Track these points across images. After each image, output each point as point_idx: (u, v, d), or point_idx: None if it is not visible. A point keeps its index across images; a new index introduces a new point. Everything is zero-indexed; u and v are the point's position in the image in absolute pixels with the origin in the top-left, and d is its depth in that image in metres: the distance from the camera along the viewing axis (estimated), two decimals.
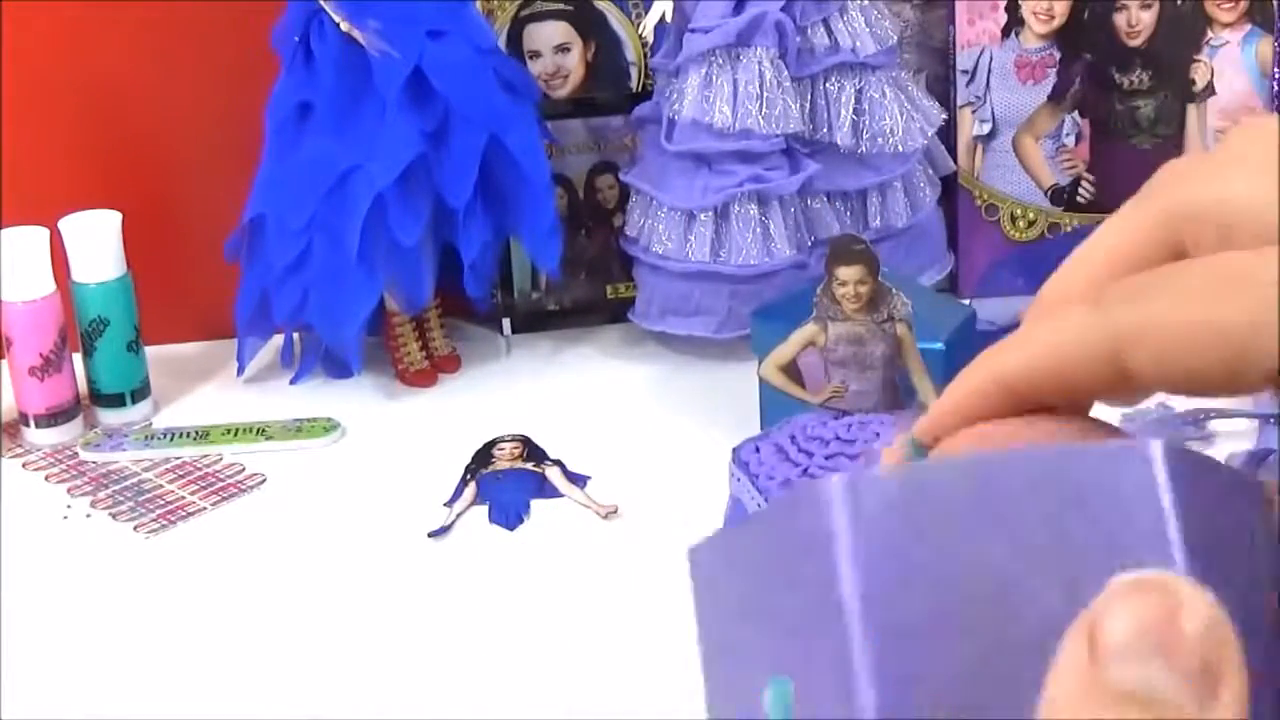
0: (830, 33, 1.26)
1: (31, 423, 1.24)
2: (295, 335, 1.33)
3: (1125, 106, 1.38)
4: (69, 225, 1.24)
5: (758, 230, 1.26)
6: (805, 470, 0.98)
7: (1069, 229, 1.39)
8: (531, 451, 1.19)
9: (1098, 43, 1.37)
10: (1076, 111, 1.38)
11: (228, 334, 1.32)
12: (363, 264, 1.22)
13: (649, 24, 1.31)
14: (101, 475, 1.20)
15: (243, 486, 1.17)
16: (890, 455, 0.35)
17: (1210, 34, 1.36)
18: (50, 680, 0.97)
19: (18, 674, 0.98)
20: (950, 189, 1.38)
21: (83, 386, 1.27)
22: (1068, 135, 1.39)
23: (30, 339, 1.23)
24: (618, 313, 1.36)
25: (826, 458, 0.98)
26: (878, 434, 1.00)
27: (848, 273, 1.09)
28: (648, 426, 1.22)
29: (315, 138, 1.23)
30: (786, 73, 1.24)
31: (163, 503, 1.16)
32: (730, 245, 1.26)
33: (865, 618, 0.25)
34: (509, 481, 1.15)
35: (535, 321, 1.39)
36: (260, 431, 1.24)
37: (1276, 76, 1.37)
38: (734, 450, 1.06)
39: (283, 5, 1.24)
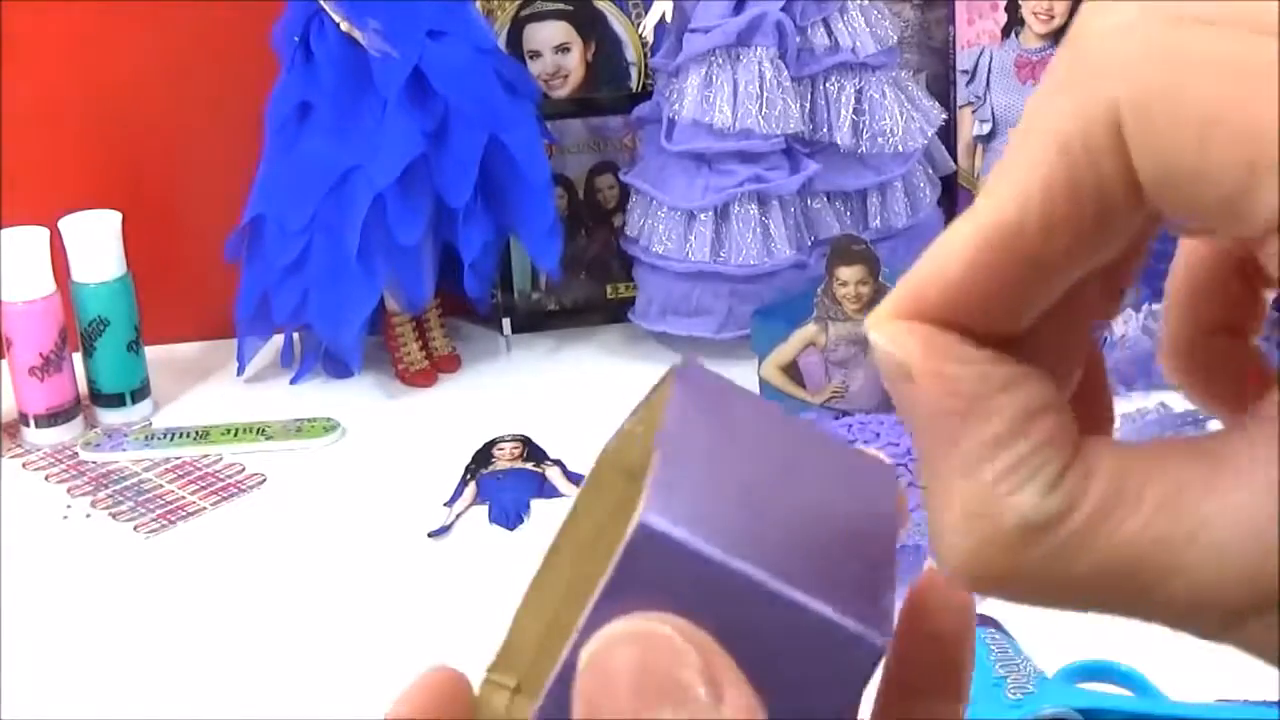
0: (830, 33, 1.26)
1: (31, 423, 1.24)
2: (295, 335, 1.33)
3: None
4: (69, 225, 1.24)
5: (758, 230, 1.26)
6: None
7: None
8: (531, 451, 1.19)
9: None
10: None
11: (228, 334, 1.32)
12: (363, 264, 1.22)
13: (649, 24, 1.31)
14: (101, 475, 1.20)
15: (243, 486, 1.17)
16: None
17: None
18: (50, 680, 0.97)
19: (18, 674, 0.98)
20: (950, 189, 1.38)
21: (83, 386, 1.27)
22: None
23: (30, 339, 1.23)
24: (618, 313, 1.36)
25: None
26: (877, 434, 1.00)
27: (848, 273, 1.09)
28: None
29: (315, 138, 1.23)
30: (786, 73, 1.25)
31: (163, 503, 1.16)
32: (730, 245, 1.26)
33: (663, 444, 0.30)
34: (509, 481, 1.15)
35: (535, 321, 1.39)
36: (260, 431, 1.24)
37: None
38: None
39: (283, 5, 1.24)
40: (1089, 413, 0.29)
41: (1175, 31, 0.25)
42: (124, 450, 1.22)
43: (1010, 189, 0.26)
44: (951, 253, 0.27)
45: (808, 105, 1.27)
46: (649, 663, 0.28)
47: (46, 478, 1.20)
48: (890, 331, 0.28)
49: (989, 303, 0.27)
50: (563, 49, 1.37)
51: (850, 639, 0.28)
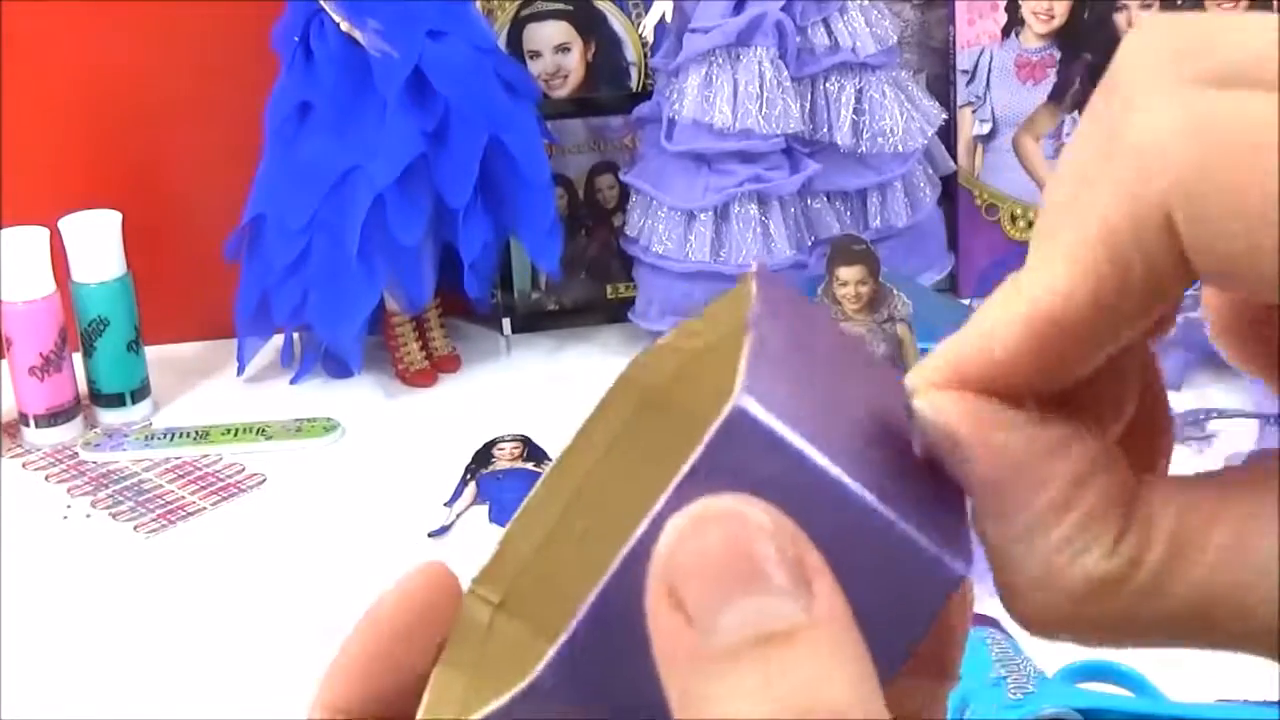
0: (830, 33, 1.26)
1: (31, 423, 1.24)
2: (295, 335, 1.33)
3: None
4: (69, 225, 1.24)
5: (758, 230, 1.26)
6: None
7: None
8: (531, 451, 1.19)
9: (1098, 43, 1.37)
10: (1076, 111, 1.38)
11: (228, 334, 1.32)
12: (363, 264, 1.22)
13: (649, 24, 1.31)
14: (101, 475, 1.20)
15: (243, 486, 1.17)
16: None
17: None
18: (50, 680, 0.97)
19: (18, 674, 0.98)
20: (950, 189, 1.38)
21: (83, 386, 1.27)
22: (1068, 135, 1.39)
23: (30, 339, 1.23)
24: (618, 313, 1.36)
25: None
26: None
27: (848, 273, 1.09)
28: None
29: (315, 138, 1.23)
30: (786, 73, 1.25)
31: (163, 503, 1.16)
32: (730, 245, 1.26)
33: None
34: (509, 481, 1.15)
35: (535, 321, 1.39)
36: (260, 431, 1.24)
37: None
38: None
39: (283, 5, 1.24)
40: (1148, 435, 0.29)
41: (1211, 101, 0.25)
42: (124, 450, 1.22)
43: (1055, 273, 0.26)
44: (995, 335, 0.27)
45: (808, 105, 1.27)
46: (739, 546, 0.26)
47: (46, 478, 1.20)
48: (935, 400, 0.28)
49: (1033, 378, 0.27)
50: (563, 49, 1.37)
51: (931, 562, 0.27)
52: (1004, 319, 0.27)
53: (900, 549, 0.27)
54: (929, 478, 0.29)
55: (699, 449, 0.27)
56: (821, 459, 0.27)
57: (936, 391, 0.28)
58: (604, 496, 0.30)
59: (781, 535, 0.26)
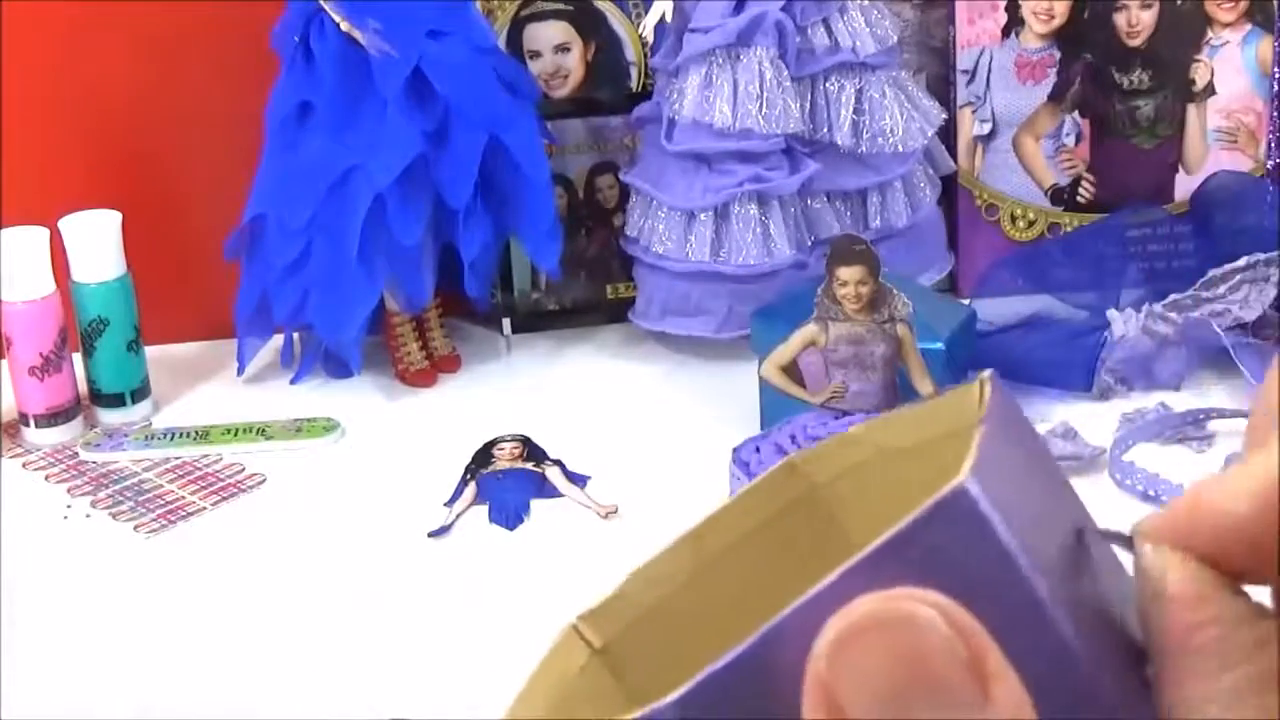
0: (830, 33, 1.26)
1: (31, 423, 1.24)
2: (295, 335, 1.33)
3: (1125, 106, 1.38)
4: (69, 225, 1.24)
5: (758, 230, 1.26)
6: None
7: (1069, 229, 1.39)
8: (531, 451, 1.19)
9: (1098, 43, 1.37)
10: (1076, 111, 1.38)
11: (228, 334, 1.32)
12: (363, 264, 1.23)
13: (649, 24, 1.31)
14: (101, 475, 1.20)
15: (243, 486, 1.17)
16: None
17: (1210, 34, 1.36)
18: (50, 680, 0.97)
19: (18, 674, 0.98)
20: (950, 189, 1.38)
21: (83, 386, 1.27)
22: (1068, 135, 1.39)
23: (30, 339, 1.23)
24: (618, 313, 1.36)
25: None
26: None
27: (848, 273, 1.09)
28: (648, 426, 1.22)
29: (315, 138, 1.23)
30: (786, 73, 1.24)
31: (163, 503, 1.16)
32: (730, 245, 1.26)
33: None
34: (509, 481, 1.15)
35: (535, 321, 1.39)
36: (260, 431, 1.24)
37: (1276, 76, 1.37)
38: (734, 450, 1.07)
39: (283, 5, 1.24)
40: None
41: None
42: (124, 450, 1.22)
43: None
44: (1237, 498, 0.27)
45: (808, 105, 1.27)
46: (906, 652, 0.24)
47: (46, 478, 1.20)
48: (1161, 554, 0.28)
49: (1259, 552, 0.27)
50: (563, 49, 1.37)
51: (1089, 691, 0.26)
52: (1244, 487, 0.27)
53: (1066, 672, 0.26)
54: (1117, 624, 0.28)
55: (905, 521, 0.25)
56: (1030, 567, 0.25)
57: (1164, 548, 0.27)
58: (739, 573, 0.29)
59: (956, 636, 0.24)
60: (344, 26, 1.21)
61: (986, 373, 0.30)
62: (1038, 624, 0.25)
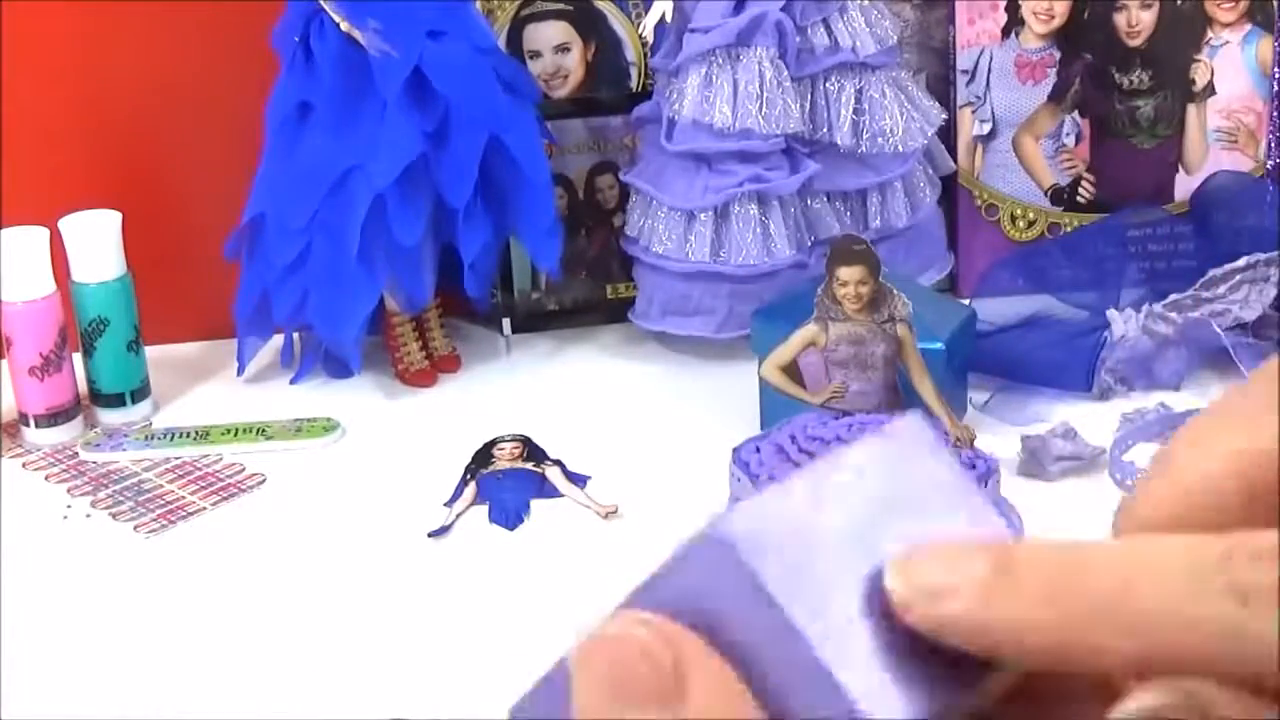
0: (830, 33, 1.26)
1: (31, 423, 1.24)
2: (295, 335, 1.33)
3: (1125, 106, 1.38)
4: (69, 225, 1.24)
5: (758, 230, 1.26)
6: None
7: (1069, 229, 1.39)
8: (531, 451, 1.19)
9: (1098, 43, 1.37)
10: (1076, 111, 1.38)
11: (228, 334, 1.32)
12: (363, 264, 1.23)
13: (649, 24, 1.31)
14: (101, 475, 1.20)
15: (243, 486, 1.17)
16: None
17: (1210, 34, 1.37)
18: (50, 680, 0.97)
19: (18, 674, 0.98)
20: (950, 189, 1.38)
21: (83, 386, 1.27)
22: (1068, 135, 1.39)
23: (30, 339, 1.23)
24: (618, 313, 1.36)
25: None
26: None
27: (848, 273, 1.09)
28: (648, 426, 1.22)
29: (315, 138, 1.23)
30: (786, 73, 1.24)
31: (163, 503, 1.16)
32: (730, 245, 1.26)
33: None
34: (509, 481, 1.15)
35: (535, 321, 1.39)
36: (260, 431, 1.24)
37: (1277, 76, 1.37)
38: (734, 450, 1.06)
39: (283, 5, 1.24)
40: None
41: None
42: (124, 450, 1.22)
43: None
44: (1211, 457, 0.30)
45: (808, 105, 1.27)
46: (619, 666, 0.28)
47: (46, 478, 1.20)
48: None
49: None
50: (563, 49, 1.37)
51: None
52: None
53: (829, 698, 0.28)
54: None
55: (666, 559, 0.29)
56: (780, 599, 0.28)
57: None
58: None
59: (660, 645, 0.28)
60: (344, 26, 1.21)
61: (906, 418, 0.33)
62: (791, 645, 0.28)
